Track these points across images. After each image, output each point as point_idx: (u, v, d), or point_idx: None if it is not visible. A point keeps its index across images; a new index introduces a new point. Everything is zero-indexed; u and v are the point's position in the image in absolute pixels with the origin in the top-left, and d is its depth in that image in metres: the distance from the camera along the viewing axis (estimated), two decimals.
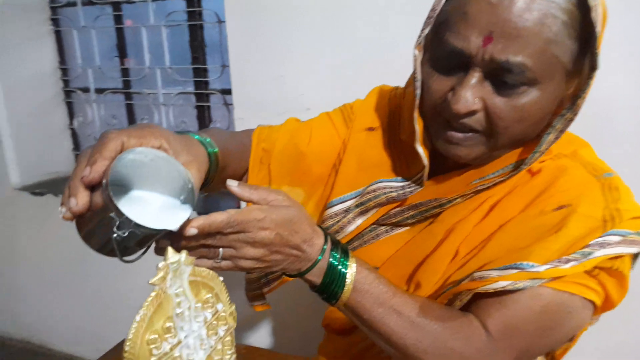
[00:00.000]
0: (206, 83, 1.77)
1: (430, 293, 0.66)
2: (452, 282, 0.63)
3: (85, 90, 1.99)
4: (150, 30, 1.80)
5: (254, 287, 0.79)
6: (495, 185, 0.65)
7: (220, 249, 0.50)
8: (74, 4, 1.88)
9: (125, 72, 1.91)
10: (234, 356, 0.48)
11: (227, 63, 1.58)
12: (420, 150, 0.65)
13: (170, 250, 0.41)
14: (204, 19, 1.74)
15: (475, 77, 0.56)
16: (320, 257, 0.57)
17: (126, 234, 0.40)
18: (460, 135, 0.60)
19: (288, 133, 0.81)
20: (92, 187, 0.42)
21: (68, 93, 2.03)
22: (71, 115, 2.06)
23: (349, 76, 1.32)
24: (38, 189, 1.92)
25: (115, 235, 0.40)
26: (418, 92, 0.63)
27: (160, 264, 0.40)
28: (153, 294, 0.39)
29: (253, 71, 1.48)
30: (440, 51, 0.58)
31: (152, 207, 0.45)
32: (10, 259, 2.09)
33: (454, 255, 0.65)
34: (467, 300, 0.61)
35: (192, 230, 0.45)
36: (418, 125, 0.64)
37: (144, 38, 1.82)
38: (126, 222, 0.40)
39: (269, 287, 0.79)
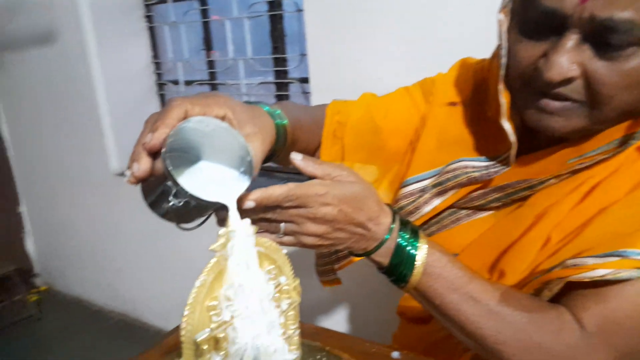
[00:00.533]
0: (285, 72, 1.78)
1: (515, 283, 0.59)
2: (541, 270, 0.56)
3: (175, 82, 2.09)
4: (233, 22, 1.85)
5: (324, 262, 0.77)
6: (596, 164, 0.56)
7: (282, 224, 0.48)
8: (165, 1, 1.98)
9: (210, 64, 1.99)
10: (298, 331, 0.46)
11: (305, 52, 1.57)
12: (507, 125, 0.58)
13: (233, 219, 0.40)
14: (283, 9, 1.75)
15: (571, 40, 0.49)
16: (387, 237, 0.53)
17: (182, 203, 0.40)
18: (556, 103, 0.52)
19: (364, 106, 0.77)
20: (155, 154, 0.42)
21: (161, 86, 2.15)
22: (163, 106, 2.18)
23: (429, 58, 1.25)
24: None
25: (171, 203, 0.40)
26: (504, 60, 0.56)
27: (221, 231, 0.39)
28: (214, 260, 0.38)
29: (330, 58, 1.46)
30: (530, 13, 0.51)
31: (210, 177, 0.44)
32: (112, 238, 2.26)
33: (544, 242, 0.58)
34: (558, 291, 0.54)
35: (249, 203, 0.43)
36: (504, 99, 0.57)
37: (228, 30, 1.87)
38: (182, 191, 0.39)
39: (339, 264, 0.76)
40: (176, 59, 2.06)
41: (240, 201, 0.42)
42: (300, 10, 1.73)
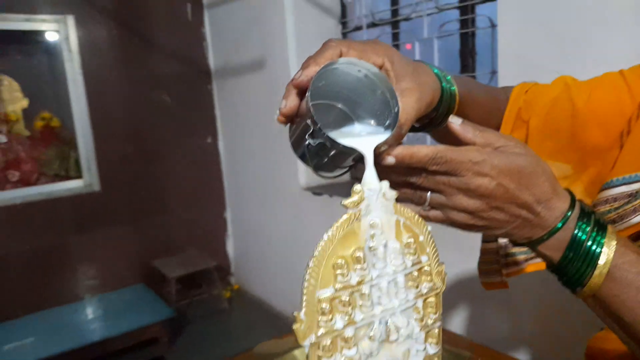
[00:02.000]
0: None
1: None
2: None
3: None
4: (422, 43, 1.85)
5: (490, 259, 0.66)
6: None
7: (428, 194, 0.42)
8: (360, 28, 2.10)
9: None
10: (439, 324, 0.40)
11: (496, 69, 1.48)
12: None
13: (369, 174, 0.37)
14: (476, 25, 1.68)
15: None
16: (559, 225, 0.43)
17: (316, 143, 0.38)
18: None
19: (561, 86, 0.64)
20: (304, 93, 0.40)
21: None
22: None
23: None
24: (318, 190, 2.20)
25: (307, 142, 0.38)
26: None
27: (356, 187, 0.36)
28: (345, 216, 0.36)
29: (523, 75, 1.34)
30: None
31: (351, 123, 0.41)
32: (297, 248, 2.44)
33: None
34: None
35: (389, 159, 0.39)
36: None
37: (417, 52, 1.88)
38: (318, 131, 0.37)
39: (508, 270, 0.65)
40: None
41: (379, 156, 0.39)
42: (494, 26, 1.65)
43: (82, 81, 2.50)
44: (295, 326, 0.35)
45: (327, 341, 0.35)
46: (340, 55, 0.42)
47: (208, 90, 2.88)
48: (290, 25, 2.17)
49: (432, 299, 0.39)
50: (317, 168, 0.43)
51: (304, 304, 0.34)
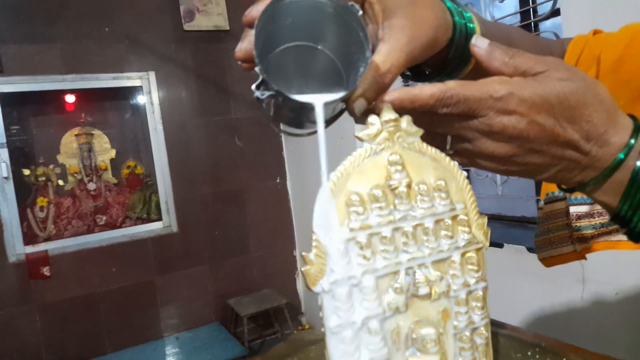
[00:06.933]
0: None
1: None
2: None
3: None
4: None
5: (559, 224, 0.56)
6: None
7: (448, 138, 0.34)
8: None
9: None
10: (482, 285, 0.33)
11: None
12: None
13: (388, 107, 0.32)
14: None
15: None
16: (615, 163, 0.33)
17: (264, 95, 0.30)
18: None
19: (631, 35, 0.52)
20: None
21: None
22: None
23: None
24: None
25: (255, 94, 0.31)
26: None
27: (372, 118, 0.32)
28: (360, 150, 0.31)
29: None
30: None
31: (311, 69, 0.34)
32: None
33: None
34: None
35: (385, 106, 0.32)
36: None
37: None
38: (265, 79, 0.30)
39: (582, 245, 0.53)
40: None
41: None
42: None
43: (162, 131, 2.69)
44: (304, 268, 0.31)
45: (342, 289, 0.30)
46: None
47: (277, 133, 2.97)
48: None
49: (472, 255, 0.33)
50: (281, 123, 0.36)
51: (314, 244, 0.30)
